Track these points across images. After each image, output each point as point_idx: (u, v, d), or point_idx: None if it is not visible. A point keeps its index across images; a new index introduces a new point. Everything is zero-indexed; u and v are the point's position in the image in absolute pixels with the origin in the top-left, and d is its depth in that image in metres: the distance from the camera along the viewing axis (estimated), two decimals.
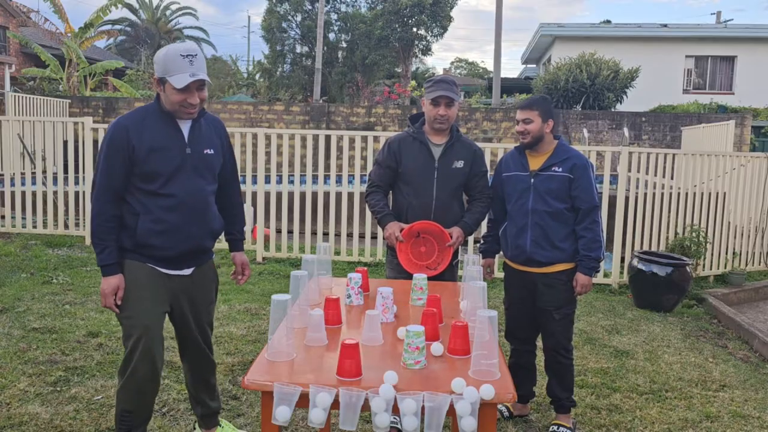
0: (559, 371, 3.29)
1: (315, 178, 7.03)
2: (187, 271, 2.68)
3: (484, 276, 3.30)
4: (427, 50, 25.31)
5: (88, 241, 7.15)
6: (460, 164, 3.28)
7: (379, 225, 3.34)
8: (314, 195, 6.98)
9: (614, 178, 7.65)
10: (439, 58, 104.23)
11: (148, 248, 2.55)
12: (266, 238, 7.21)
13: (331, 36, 25.65)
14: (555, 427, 3.25)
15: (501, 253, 3.46)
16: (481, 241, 3.55)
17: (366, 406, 1.79)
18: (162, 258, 2.58)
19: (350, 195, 7.64)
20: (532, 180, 3.19)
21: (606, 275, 6.53)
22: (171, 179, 2.50)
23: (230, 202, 2.87)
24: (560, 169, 3.15)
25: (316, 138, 7.19)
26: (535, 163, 3.22)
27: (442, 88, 3.19)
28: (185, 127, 2.57)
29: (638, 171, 6.60)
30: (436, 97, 3.18)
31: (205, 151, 2.61)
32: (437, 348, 2.12)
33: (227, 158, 2.80)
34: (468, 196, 3.43)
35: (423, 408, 1.77)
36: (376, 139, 6.89)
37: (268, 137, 7.94)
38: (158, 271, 2.60)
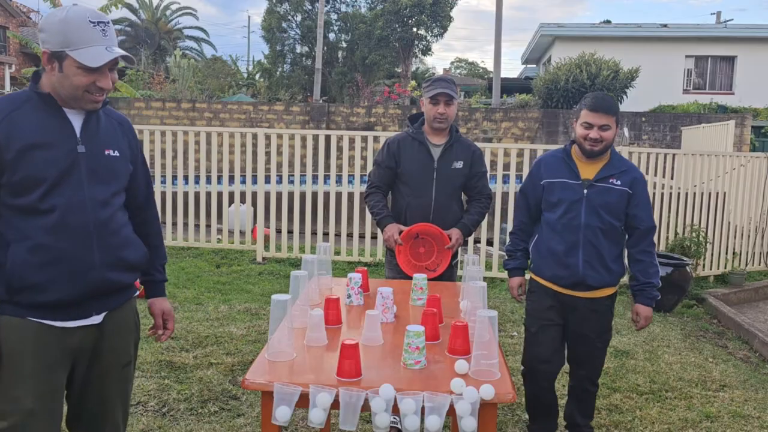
0: (585, 399, 3.06)
1: (315, 178, 7.03)
2: (96, 319, 1.93)
3: (515, 298, 3.09)
4: (427, 50, 25.32)
5: None
6: (459, 165, 3.27)
7: (378, 227, 3.33)
8: (314, 195, 6.98)
9: None
10: (439, 58, 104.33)
11: (26, 292, 1.79)
12: (266, 238, 7.21)
13: (331, 36, 25.65)
14: None
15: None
16: (506, 257, 3.14)
17: (366, 406, 1.79)
18: (50, 305, 1.82)
19: (350, 195, 7.64)
20: (586, 191, 2.79)
21: None
22: (55, 188, 1.80)
23: (145, 231, 2.14)
24: (619, 182, 2.79)
25: (316, 138, 7.19)
26: (587, 171, 2.83)
27: (440, 86, 3.17)
28: (77, 118, 1.88)
29: None
30: (435, 95, 3.17)
31: (105, 152, 1.92)
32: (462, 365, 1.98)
33: (140, 171, 2.11)
34: (467, 196, 3.42)
35: (423, 408, 1.78)
36: (376, 139, 6.89)
37: (268, 137, 7.94)
38: (47, 327, 1.84)
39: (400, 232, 3.18)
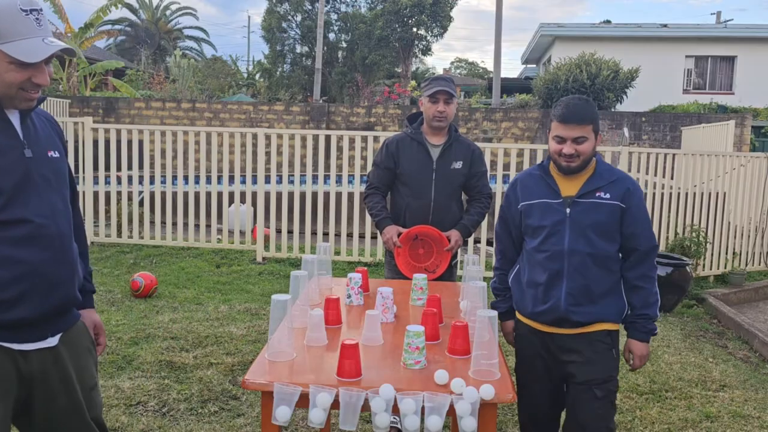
0: None
1: (315, 178, 7.03)
2: (52, 341, 1.76)
3: (510, 344, 2.65)
4: (427, 50, 25.32)
5: (88, 241, 7.15)
6: (458, 165, 3.27)
7: (377, 228, 3.33)
8: (314, 195, 6.98)
9: None
10: (440, 58, 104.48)
11: None
12: (266, 238, 7.21)
13: (331, 36, 25.65)
14: None
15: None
16: (493, 298, 2.69)
17: (366, 406, 1.79)
18: (14, 323, 1.66)
19: (350, 195, 7.64)
20: (568, 210, 2.34)
21: None
22: (12, 200, 1.64)
23: (75, 235, 1.90)
24: (608, 196, 2.32)
25: (316, 138, 7.19)
26: (569, 187, 2.37)
27: (440, 84, 3.17)
28: (14, 119, 1.70)
29: (638, 171, 6.60)
30: (435, 93, 3.17)
31: (49, 154, 1.77)
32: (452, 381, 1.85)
33: (69, 170, 1.92)
34: (467, 196, 3.42)
35: (423, 408, 1.78)
36: (376, 139, 6.89)
37: (268, 137, 7.95)
38: (4, 350, 1.67)
39: (399, 234, 3.18)
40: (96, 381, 1.94)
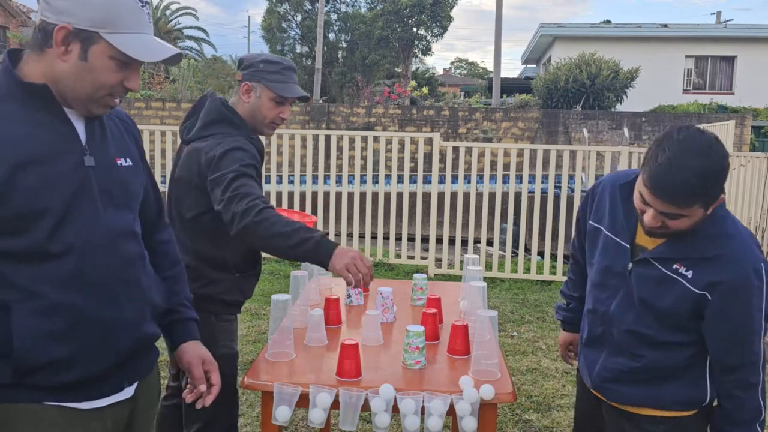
0: None
1: (315, 178, 7.03)
2: (128, 392, 1.43)
3: (565, 359, 2.20)
4: (427, 50, 25.36)
5: None
6: None
7: (325, 251, 1.95)
8: (314, 195, 6.98)
9: None
10: (440, 58, 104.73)
11: (44, 371, 1.27)
12: None
13: (331, 36, 25.68)
14: None
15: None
16: (562, 302, 2.17)
17: (366, 406, 1.79)
18: (74, 383, 1.31)
19: (350, 195, 7.64)
20: (631, 266, 1.70)
21: None
22: (63, 221, 1.27)
23: (162, 260, 1.59)
24: (690, 273, 1.60)
25: (316, 138, 7.20)
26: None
27: (294, 81, 2.32)
28: (76, 120, 1.33)
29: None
30: (291, 96, 2.29)
31: (117, 162, 1.40)
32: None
33: (149, 180, 1.57)
34: None
35: (423, 408, 1.78)
36: (376, 139, 6.89)
37: (268, 137, 7.96)
38: (72, 412, 1.32)
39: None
40: None
